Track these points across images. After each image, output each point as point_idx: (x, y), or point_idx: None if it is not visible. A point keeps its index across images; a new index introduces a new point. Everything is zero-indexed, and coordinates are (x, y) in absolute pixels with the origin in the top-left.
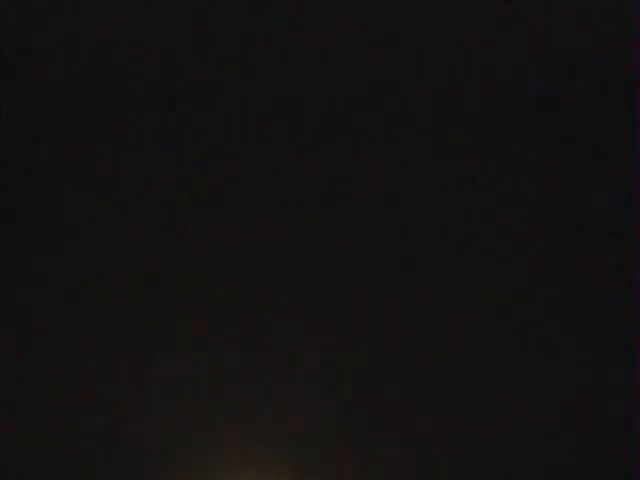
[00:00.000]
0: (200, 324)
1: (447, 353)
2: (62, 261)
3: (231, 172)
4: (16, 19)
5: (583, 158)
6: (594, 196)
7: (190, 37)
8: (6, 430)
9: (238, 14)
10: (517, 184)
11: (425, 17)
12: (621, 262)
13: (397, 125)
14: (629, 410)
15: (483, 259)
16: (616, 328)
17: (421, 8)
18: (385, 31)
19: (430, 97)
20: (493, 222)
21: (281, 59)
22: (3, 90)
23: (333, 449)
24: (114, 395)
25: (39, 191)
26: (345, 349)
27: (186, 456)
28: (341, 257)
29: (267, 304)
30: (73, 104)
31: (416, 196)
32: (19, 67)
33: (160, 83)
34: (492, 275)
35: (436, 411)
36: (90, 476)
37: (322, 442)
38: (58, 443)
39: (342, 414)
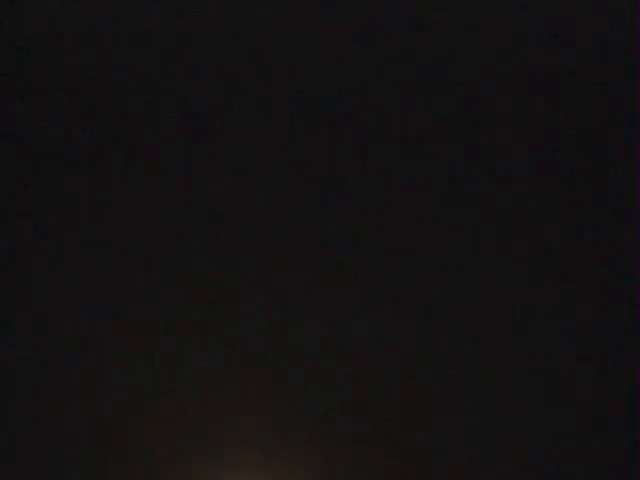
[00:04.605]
0: (200, 324)
1: (446, 354)
2: (60, 261)
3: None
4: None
5: (583, 158)
6: (594, 196)
7: (189, 36)
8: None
9: (237, 14)
10: (517, 183)
11: (424, 16)
12: (621, 261)
13: (395, 125)
14: (629, 410)
15: (482, 258)
16: (616, 328)
17: (420, 8)
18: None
19: (430, 97)
20: (493, 222)
21: (280, 58)
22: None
23: (333, 449)
24: (114, 394)
25: (38, 187)
26: (345, 349)
27: (186, 456)
28: (340, 256)
29: (267, 304)
30: (72, 102)
31: (415, 195)
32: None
33: (159, 82)
34: (492, 274)
35: (436, 412)
36: (90, 476)
37: (323, 442)
38: (57, 442)
39: (341, 414)
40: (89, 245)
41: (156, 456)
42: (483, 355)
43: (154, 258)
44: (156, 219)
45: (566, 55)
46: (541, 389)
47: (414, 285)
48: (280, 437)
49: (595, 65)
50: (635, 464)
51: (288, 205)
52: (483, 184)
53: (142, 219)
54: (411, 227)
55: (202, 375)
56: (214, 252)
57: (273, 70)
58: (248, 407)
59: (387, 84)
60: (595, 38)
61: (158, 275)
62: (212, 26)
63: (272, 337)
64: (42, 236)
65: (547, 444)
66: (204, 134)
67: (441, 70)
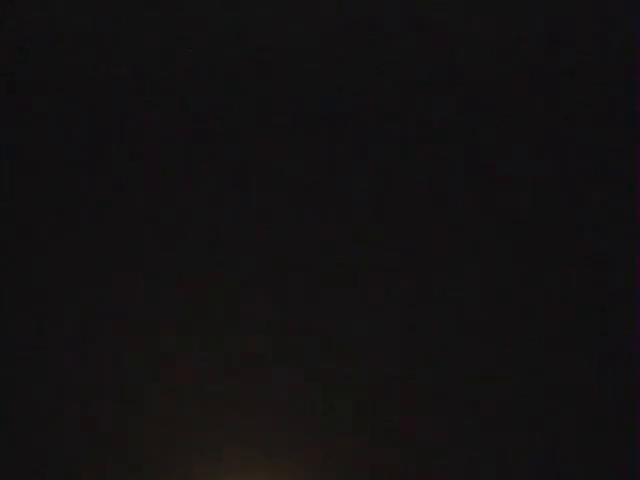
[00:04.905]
0: (200, 324)
1: (447, 354)
2: (60, 260)
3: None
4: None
5: (583, 158)
6: (594, 196)
7: (189, 36)
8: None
9: (237, 14)
10: (517, 184)
11: (424, 16)
12: (621, 261)
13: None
14: (629, 410)
15: (482, 258)
16: (616, 328)
17: (420, 8)
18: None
19: (430, 97)
20: (493, 222)
21: (280, 58)
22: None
23: (333, 449)
24: (114, 393)
25: (38, 189)
26: (345, 349)
27: (186, 455)
28: (341, 256)
29: (267, 303)
30: (73, 102)
31: (415, 195)
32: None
33: (159, 82)
34: (492, 274)
35: (436, 412)
36: (90, 476)
37: (323, 442)
38: (55, 443)
39: (342, 414)
40: (89, 245)
41: (156, 456)
42: (483, 355)
43: (154, 258)
44: (156, 219)
45: (566, 55)
46: (542, 389)
47: (414, 285)
48: (280, 437)
49: (595, 65)
50: (635, 464)
51: (288, 205)
52: (483, 184)
53: (142, 219)
54: (411, 227)
55: (202, 375)
56: (214, 252)
57: (273, 70)
58: (248, 407)
59: (387, 84)
60: (595, 38)
61: (158, 275)
62: (212, 26)
63: (272, 337)
64: (42, 236)
65: (547, 444)
66: (204, 134)
67: (441, 70)
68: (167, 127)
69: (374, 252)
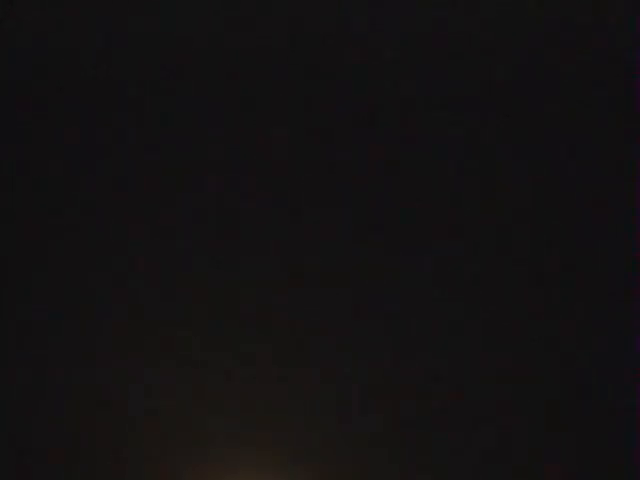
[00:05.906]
0: (199, 324)
1: (447, 354)
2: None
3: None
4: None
5: (583, 158)
6: (594, 196)
7: (189, 35)
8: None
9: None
10: (517, 184)
11: (424, 17)
12: (621, 262)
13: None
14: (629, 410)
15: (481, 257)
16: (616, 328)
17: (420, 8)
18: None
19: (430, 98)
20: (492, 221)
21: (280, 58)
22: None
23: (333, 449)
24: (113, 395)
25: (37, 186)
26: (345, 349)
27: (186, 455)
28: (342, 255)
29: (267, 303)
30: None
31: (416, 195)
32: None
33: (159, 83)
34: (491, 274)
35: (436, 412)
36: (91, 476)
37: (322, 442)
38: (54, 442)
39: (343, 414)
40: (89, 245)
41: (156, 456)
42: (483, 355)
43: (154, 258)
44: (156, 219)
45: (566, 55)
46: (541, 389)
47: (415, 285)
48: (280, 437)
49: (595, 65)
50: (635, 464)
51: (288, 205)
52: (483, 184)
53: (142, 219)
54: (411, 227)
55: (202, 375)
56: (214, 252)
57: (273, 70)
58: (248, 407)
59: (387, 84)
60: (595, 38)
61: (158, 275)
62: (213, 26)
63: (272, 337)
64: (42, 236)
65: (547, 444)
66: (204, 134)
67: (441, 70)
68: (168, 127)
69: (374, 252)
